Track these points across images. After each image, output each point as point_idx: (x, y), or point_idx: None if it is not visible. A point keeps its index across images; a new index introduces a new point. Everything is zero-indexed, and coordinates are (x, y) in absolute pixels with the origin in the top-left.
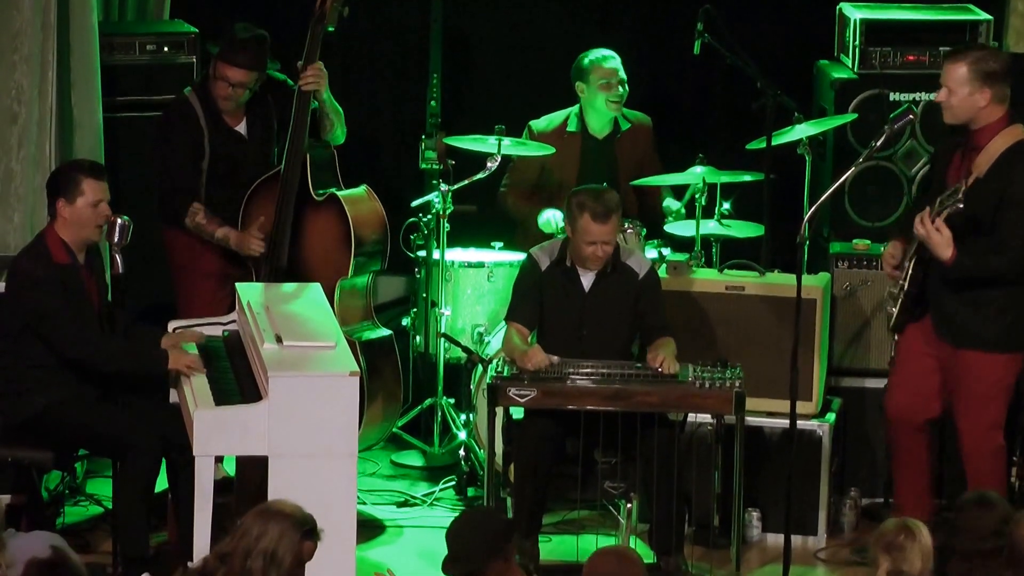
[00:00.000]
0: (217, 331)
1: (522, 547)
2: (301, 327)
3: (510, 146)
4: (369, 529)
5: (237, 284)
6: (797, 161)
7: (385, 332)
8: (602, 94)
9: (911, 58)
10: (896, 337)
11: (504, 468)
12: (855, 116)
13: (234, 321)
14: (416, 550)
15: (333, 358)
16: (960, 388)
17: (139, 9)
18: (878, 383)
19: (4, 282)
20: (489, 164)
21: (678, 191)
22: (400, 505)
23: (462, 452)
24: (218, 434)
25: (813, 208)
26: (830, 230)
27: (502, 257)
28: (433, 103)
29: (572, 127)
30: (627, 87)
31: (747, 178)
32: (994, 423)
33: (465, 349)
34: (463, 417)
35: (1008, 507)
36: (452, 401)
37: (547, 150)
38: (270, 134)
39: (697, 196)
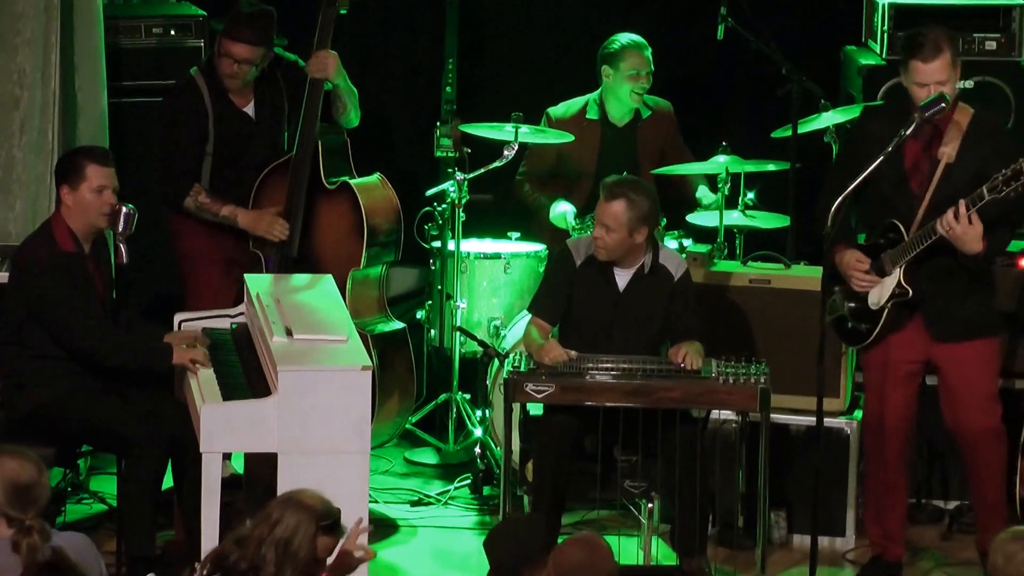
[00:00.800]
0: (225, 324)
1: None
2: (312, 319)
3: (527, 133)
4: (382, 528)
5: (246, 275)
6: (823, 150)
7: (398, 325)
8: (628, 84)
9: None
10: (856, 351)
11: (521, 466)
12: (883, 103)
13: (242, 313)
14: (430, 550)
15: (345, 352)
16: (962, 379)
17: None
18: None
19: (7, 271)
20: (506, 152)
21: (712, 181)
22: (414, 504)
23: (478, 449)
24: (226, 430)
25: (840, 198)
26: (857, 221)
27: (519, 248)
28: (448, 89)
29: (591, 114)
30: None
31: (772, 167)
32: (995, 400)
33: (481, 343)
34: (479, 413)
35: None
36: (467, 397)
37: (565, 137)
38: (280, 116)
39: (720, 186)
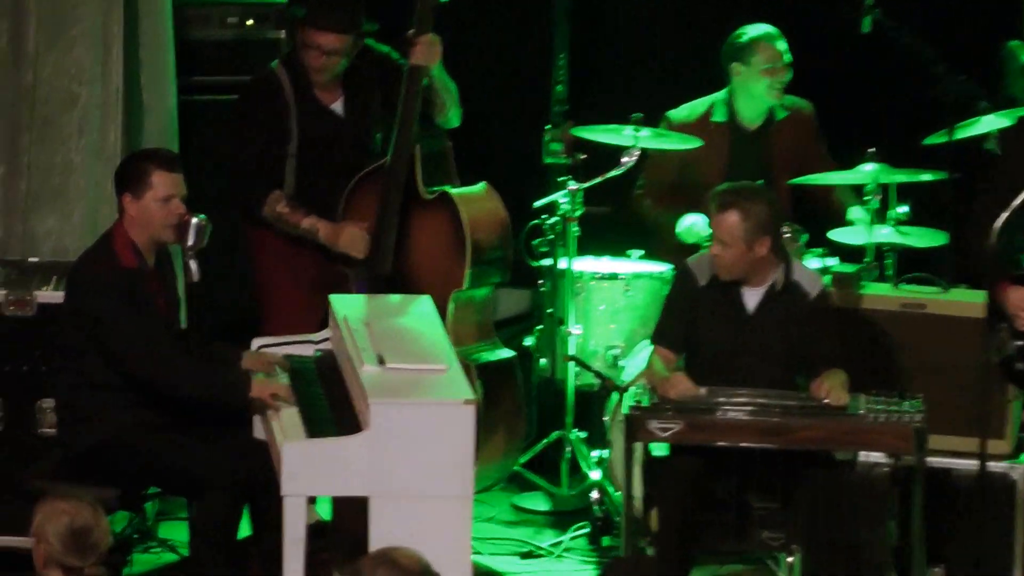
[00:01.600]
0: (308, 350)
1: None
2: (407, 346)
3: (649, 138)
4: None
5: (331, 296)
6: (984, 158)
7: (506, 353)
8: (765, 79)
9: None
10: None
11: (644, 514)
12: None
13: (328, 339)
14: None
15: (445, 383)
16: None
17: None
18: None
19: (64, 291)
20: (624, 159)
21: (857, 192)
22: (523, 556)
23: (595, 495)
24: (310, 471)
25: (1005, 213)
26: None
27: (641, 268)
28: (559, 87)
29: (718, 116)
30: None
31: (927, 177)
32: None
33: (598, 374)
34: (595, 454)
35: None
36: (583, 435)
37: (692, 142)
38: (372, 114)
39: (867, 198)
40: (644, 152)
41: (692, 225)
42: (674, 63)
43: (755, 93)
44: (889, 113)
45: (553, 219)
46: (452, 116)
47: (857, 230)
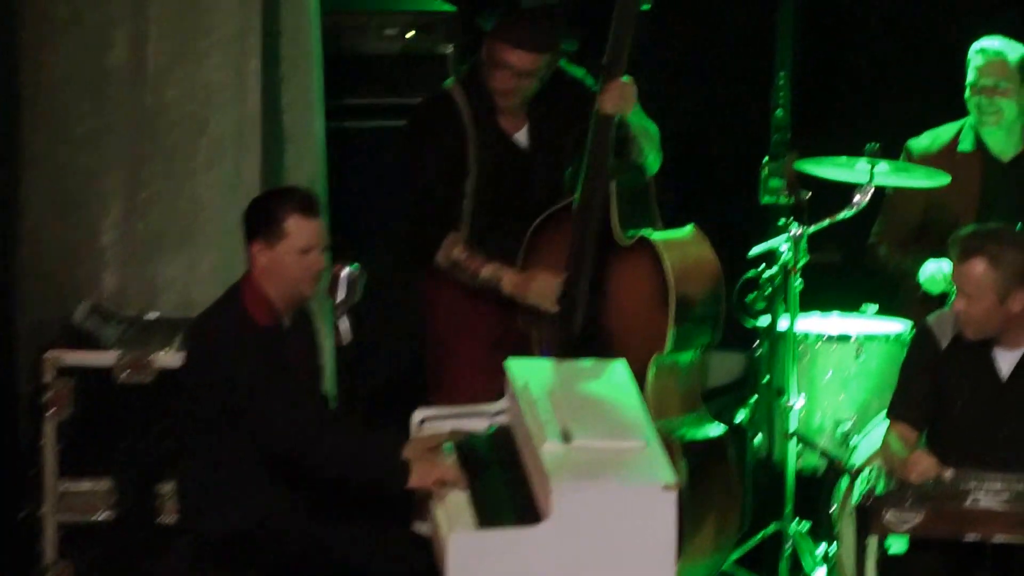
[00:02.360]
0: (481, 424)
1: None
2: (598, 420)
3: (888, 173)
4: None
5: (509, 361)
6: None
7: (716, 429)
8: (974, 99)
9: None
10: None
11: None
12: None
13: (504, 411)
14: None
15: (642, 463)
16: None
17: None
18: None
19: (188, 352)
20: (858, 198)
21: None
22: None
23: None
24: (482, 566)
25: None
26: None
27: (876, 327)
28: (780, 112)
29: (965, 145)
30: (1014, 97)
31: None
32: None
33: (824, 454)
34: (821, 549)
35: None
36: (806, 527)
37: (939, 178)
38: (562, 147)
39: None
40: (881, 190)
41: (936, 272)
42: (916, 84)
43: (972, 116)
44: None
45: (772, 270)
46: (650, 162)
47: None
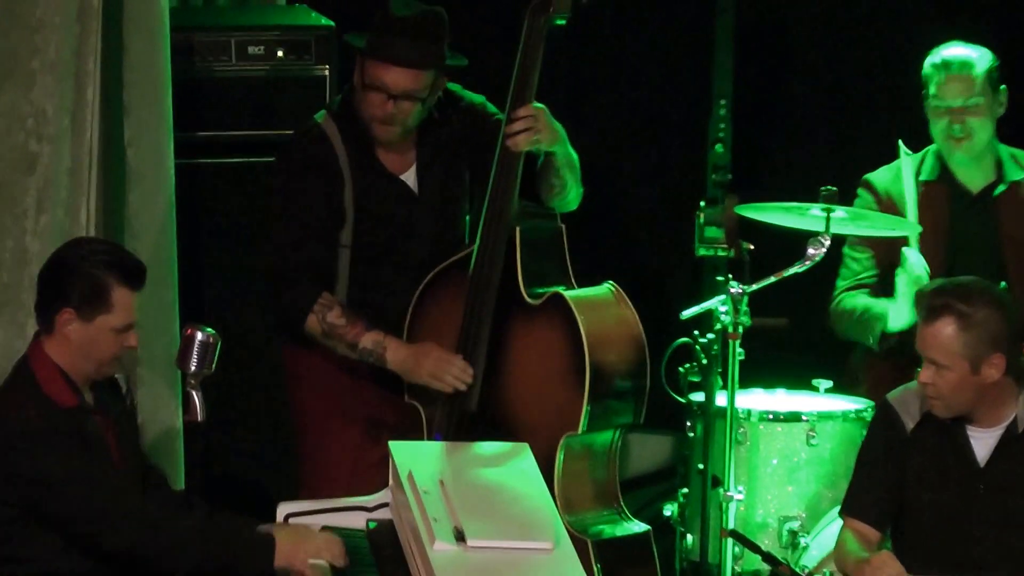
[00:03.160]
0: (358, 521)
1: None
2: (498, 516)
3: (846, 220)
4: None
5: (392, 445)
6: None
7: (637, 527)
8: (936, 122)
9: None
10: None
11: None
12: None
13: (385, 505)
14: None
15: (550, 569)
16: None
17: None
18: None
19: None
20: (812, 251)
21: None
22: None
23: None
24: None
25: None
26: None
27: (831, 405)
28: (719, 147)
29: (927, 174)
30: (988, 116)
31: None
32: None
33: (768, 558)
34: None
35: None
36: None
37: (903, 227)
38: (457, 187)
39: None
40: (841, 239)
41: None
42: (872, 112)
43: (936, 142)
44: None
45: (708, 336)
46: (571, 198)
47: None
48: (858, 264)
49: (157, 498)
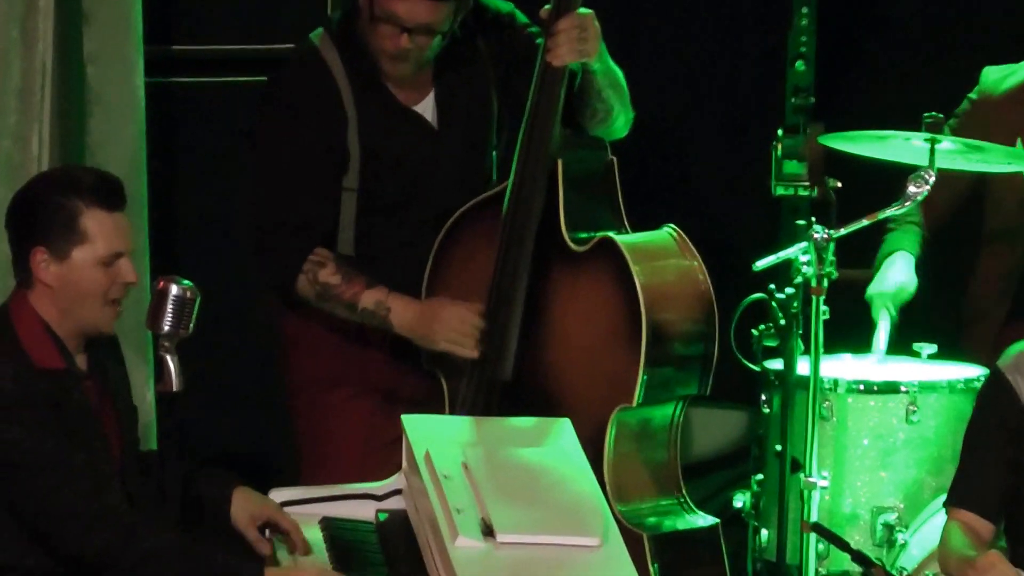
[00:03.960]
0: (366, 511)
1: None
2: (533, 507)
3: (955, 153)
4: None
5: (406, 419)
6: None
7: (702, 520)
8: None
9: None
10: None
11: None
12: None
13: (398, 492)
14: None
15: (595, 569)
16: None
17: None
18: None
19: None
20: (913, 189)
21: None
22: None
23: None
24: None
25: None
26: None
27: (936, 373)
28: (800, 65)
29: None
30: None
31: None
32: None
33: (859, 558)
34: None
35: None
36: None
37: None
38: (483, 117)
39: None
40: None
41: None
42: (979, 28)
43: None
44: None
45: (787, 291)
46: (618, 125)
47: None
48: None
49: (143, 502)
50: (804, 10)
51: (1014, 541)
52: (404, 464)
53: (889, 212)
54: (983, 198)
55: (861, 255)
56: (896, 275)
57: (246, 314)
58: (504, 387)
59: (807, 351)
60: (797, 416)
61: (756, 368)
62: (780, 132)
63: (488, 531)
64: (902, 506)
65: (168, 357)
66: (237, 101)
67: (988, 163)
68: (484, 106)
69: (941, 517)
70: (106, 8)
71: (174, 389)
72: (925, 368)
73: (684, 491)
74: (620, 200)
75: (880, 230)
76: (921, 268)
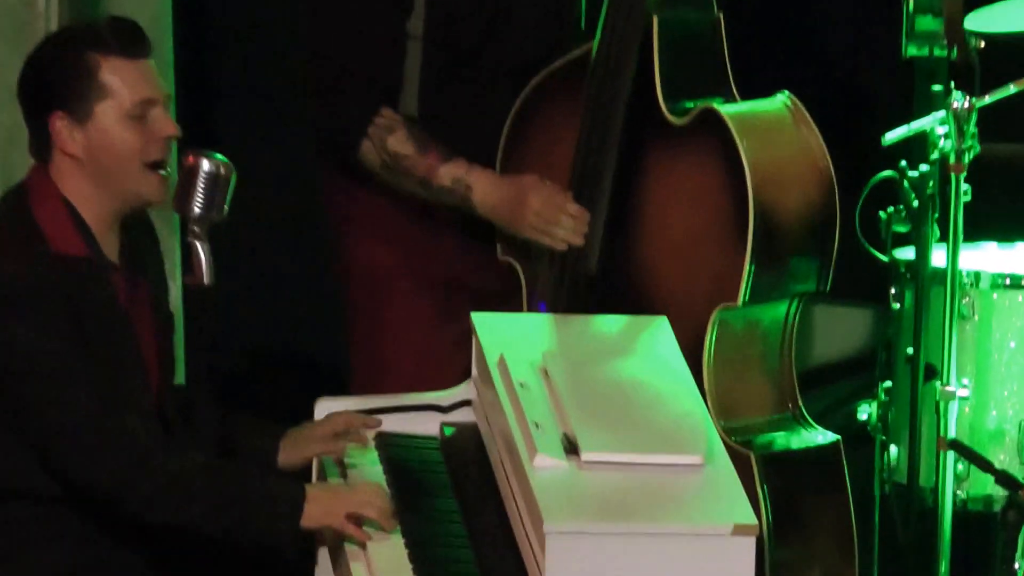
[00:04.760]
0: (430, 425)
1: None
2: (624, 421)
3: None
4: None
5: (475, 317)
6: None
7: (821, 437)
8: None
9: None
10: None
11: None
12: None
13: (466, 403)
14: None
15: (698, 493)
16: None
17: None
18: None
19: None
20: None
21: None
22: None
23: None
24: None
25: None
26: None
27: None
28: None
29: None
30: None
31: None
32: None
33: (1004, 480)
34: None
35: None
36: None
37: None
38: None
39: None
40: None
41: None
42: None
43: None
44: None
45: (920, 168)
46: None
47: None
48: None
49: (173, 421)
50: None
51: None
52: (474, 371)
53: None
54: None
55: (1008, 127)
56: None
57: (287, 193)
58: (589, 281)
59: (944, 238)
60: (932, 315)
61: (884, 259)
62: None
63: (572, 448)
64: None
65: (198, 244)
66: None
67: None
68: None
69: None
70: None
71: (205, 282)
72: None
73: (800, 403)
74: (727, 63)
75: None
76: None
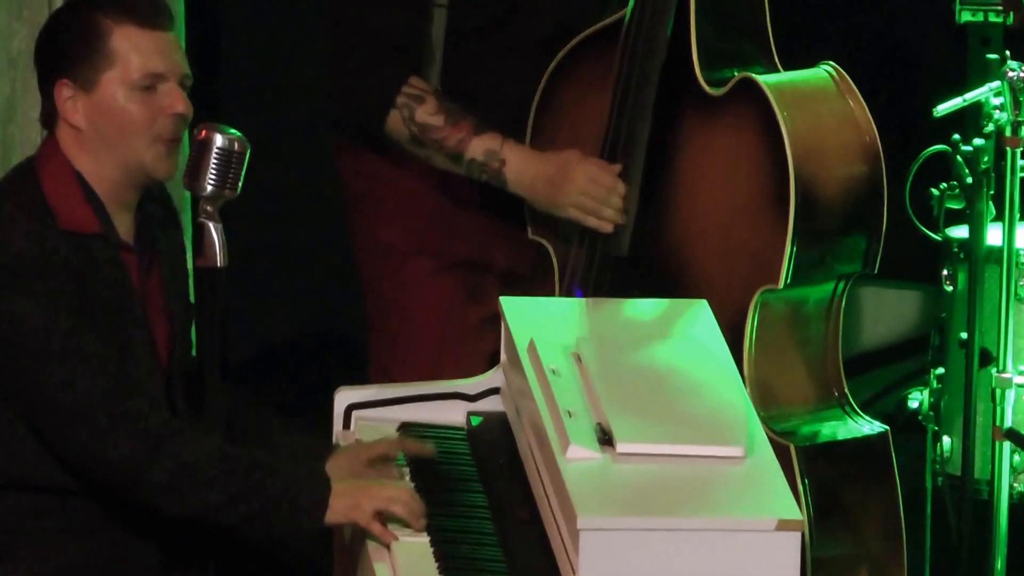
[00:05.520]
0: (456, 414)
1: None
2: (660, 411)
3: None
4: None
5: (504, 301)
6: None
7: (868, 427)
8: None
9: None
10: None
11: None
12: None
13: (495, 391)
14: None
15: (738, 485)
16: None
17: None
18: None
19: None
20: None
21: None
22: None
23: None
24: None
25: None
26: None
27: None
28: None
29: None
30: None
31: None
32: None
33: None
34: None
35: None
36: None
37: None
38: None
39: None
40: None
41: None
42: None
43: None
44: None
45: (975, 142)
46: None
47: None
48: None
49: (187, 407)
50: None
51: None
52: (503, 357)
53: None
54: None
55: None
56: None
57: (305, 169)
58: (619, 264)
59: (999, 216)
60: (987, 296)
61: (936, 237)
62: None
63: (606, 439)
64: None
65: (210, 224)
66: None
67: None
68: None
69: None
70: None
71: (217, 264)
72: None
73: (846, 391)
74: (769, 30)
75: None
76: None
